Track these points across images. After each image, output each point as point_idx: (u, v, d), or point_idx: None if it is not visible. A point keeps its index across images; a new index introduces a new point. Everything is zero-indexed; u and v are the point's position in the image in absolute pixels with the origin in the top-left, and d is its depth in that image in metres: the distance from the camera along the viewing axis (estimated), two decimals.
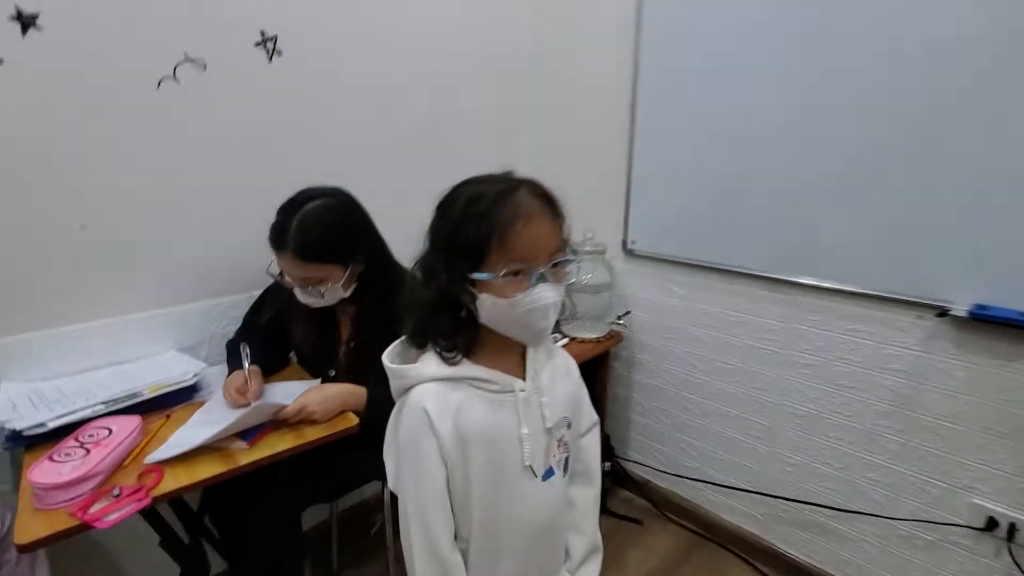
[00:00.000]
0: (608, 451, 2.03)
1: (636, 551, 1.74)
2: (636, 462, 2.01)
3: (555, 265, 0.73)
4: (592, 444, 0.95)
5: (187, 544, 1.14)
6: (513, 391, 0.77)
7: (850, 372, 1.42)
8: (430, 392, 0.74)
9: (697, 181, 1.61)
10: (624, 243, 1.82)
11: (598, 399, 1.90)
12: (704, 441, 1.78)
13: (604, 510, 1.92)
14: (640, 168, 1.73)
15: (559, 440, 0.83)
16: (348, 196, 1.24)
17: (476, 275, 0.70)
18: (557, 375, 0.85)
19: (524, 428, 0.76)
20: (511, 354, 0.80)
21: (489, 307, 0.71)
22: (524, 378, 0.79)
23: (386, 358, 0.78)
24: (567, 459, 0.86)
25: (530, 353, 0.81)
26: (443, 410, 0.73)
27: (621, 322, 1.81)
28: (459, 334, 0.75)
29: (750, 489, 1.69)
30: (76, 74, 1.17)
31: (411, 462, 0.75)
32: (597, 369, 1.87)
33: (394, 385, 0.78)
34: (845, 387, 1.44)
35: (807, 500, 1.57)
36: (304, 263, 1.15)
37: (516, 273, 0.70)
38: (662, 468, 1.93)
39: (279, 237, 1.15)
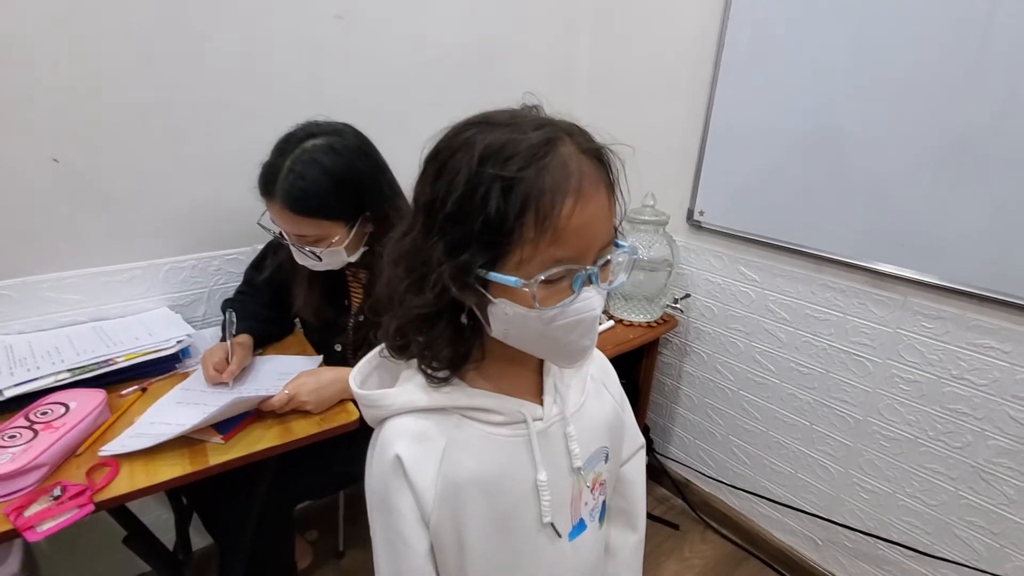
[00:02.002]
0: (647, 443, 1.82)
1: (672, 563, 1.56)
2: (677, 461, 1.79)
3: (604, 262, 0.49)
4: (637, 475, 0.74)
5: (157, 544, 0.99)
6: (525, 422, 0.55)
7: (968, 396, 1.14)
8: (404, 431, 0.53)
9: (788, 144, 1.29)
10: (690, 213, 1.53)
11: (641, 386, 1.68)
12: (762, 450, 1.54)
13: None
14: (720, 123, 1.41)
15: (594, 481, 0.62)
16: (358, 136, 1.00)
17: (497, 277, 0.46)
18: (590, 390, 0.63)
19: (542, 473, 0.55)
20: (523, 368, 0.58)
21: (508, 319, 0.48)
22: (541, 401, 0.57)
23: (353, 380, 0.57)
24: (604, 502, 0.65)
25: (551, 366, 0.59)
26: (422, 455, 0.53)
27: (678, 306, 1.55)
28: (455, 346, 0.52)
29: (813, 512, 1.46)
30: None
31: (382, 523, 0.55)
32: (644, 355, 1.63)
33: (365, 414, 0.57)
34: (958, 413, 1.16)
35: (882, 535, 1.33)
36: (296, 217, 0.93)
37: (556, 277, 0.46)
38: (707, 472, 1.71)
39: (268, 181, 0.93)
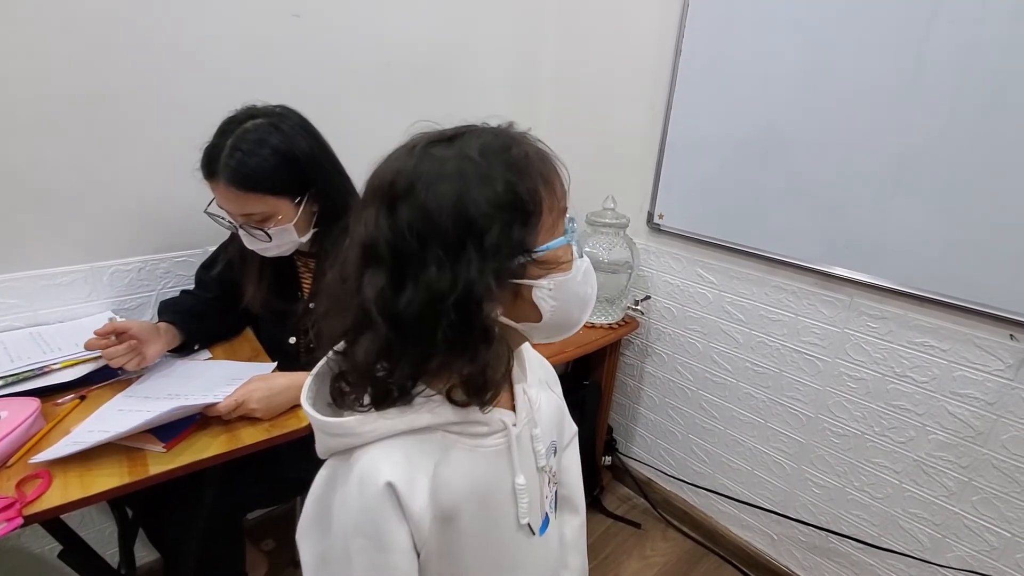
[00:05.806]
0: (610, 444, 1.85)
1: (633, 562, 1.57)
2: (639, 460, 1.82)
3: None
4: (573, 460, 0.75)
5: (96, 558, 0.95)
6: (504, 429, 0.54)
7: (910, 393, 1.19)
8: (390, 455, 0.48)
9: (743, 150, 1.32)
10: (650, 216, 1.55)
11: (604, 387, 1.69)
12: (721, 448, 1.58)
13: (601, 509, 1.75)
14: (679, 128, 1.44)
15: (549, 475, 0.63)
16: (298, 116, 1.00)
17: (547, 246, 0.49)
18: (541, 389, 0.64)
19: (519, 477, 0.55)
20: None
21: (554, 293, 0.50)
22: (510, 405, 0.57)
23: (306, 401, 0.51)
24: (556, 493, 0.66)
25: (515, 368, 0.59)
26: (413, 478, 0.48)
27: (639, 308, 1.57)
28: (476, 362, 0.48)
29: (768, 508, 1.49)
30: None
31: (367, 560, 0.48)
32: (606, 356, 1.65)
33: (331, 444, 0.51)
34: (901, 409, 1.21)
35: (833, 528, 1.38)
36: (241, 193, 0.92)
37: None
38: (669, 471, 1.73)
39: (210, 161, 0.92)
